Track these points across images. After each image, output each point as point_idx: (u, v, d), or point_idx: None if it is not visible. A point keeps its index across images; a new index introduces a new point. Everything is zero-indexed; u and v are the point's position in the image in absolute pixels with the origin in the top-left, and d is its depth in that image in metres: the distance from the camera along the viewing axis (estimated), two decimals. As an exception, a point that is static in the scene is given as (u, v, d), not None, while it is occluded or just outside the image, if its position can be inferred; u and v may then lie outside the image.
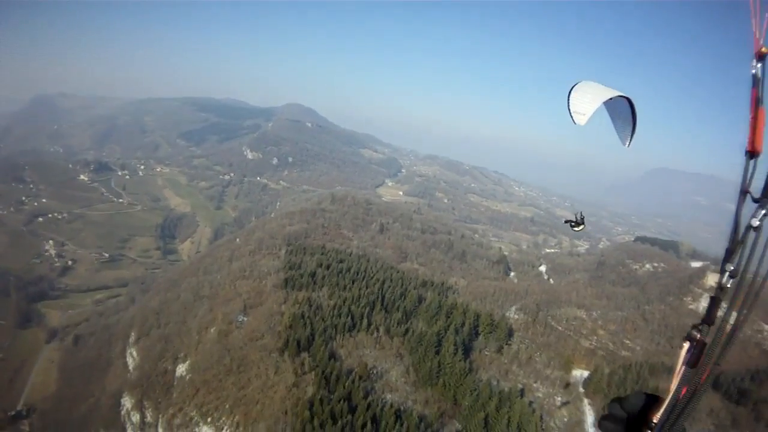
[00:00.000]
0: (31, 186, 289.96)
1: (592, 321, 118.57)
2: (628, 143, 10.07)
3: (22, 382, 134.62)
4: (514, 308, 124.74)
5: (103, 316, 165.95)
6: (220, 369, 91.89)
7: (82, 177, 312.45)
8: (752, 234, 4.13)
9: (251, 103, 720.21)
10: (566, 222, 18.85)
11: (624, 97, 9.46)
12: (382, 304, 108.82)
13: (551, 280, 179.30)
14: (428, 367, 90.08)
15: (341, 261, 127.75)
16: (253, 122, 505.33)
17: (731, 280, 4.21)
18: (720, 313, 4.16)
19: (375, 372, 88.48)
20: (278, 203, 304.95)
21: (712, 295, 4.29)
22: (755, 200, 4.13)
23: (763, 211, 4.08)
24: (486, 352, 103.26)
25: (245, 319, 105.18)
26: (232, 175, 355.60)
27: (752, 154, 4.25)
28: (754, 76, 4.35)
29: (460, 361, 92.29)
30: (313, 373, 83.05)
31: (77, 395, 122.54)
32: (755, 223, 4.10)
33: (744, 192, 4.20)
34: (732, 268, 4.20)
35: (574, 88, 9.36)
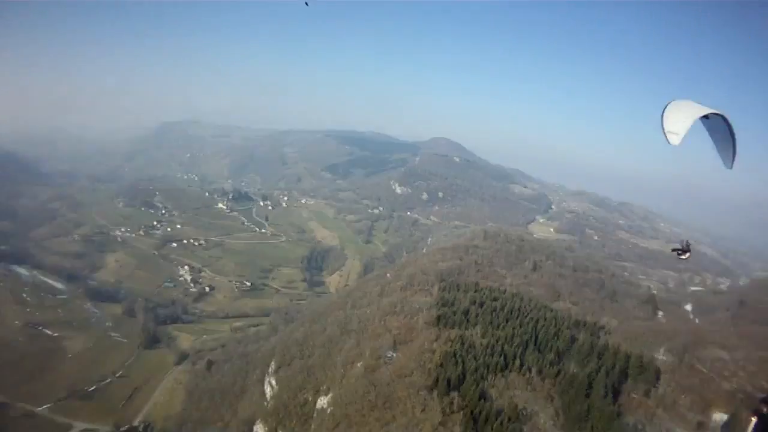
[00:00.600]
0: (163, 211, 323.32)
1: (734, 362, 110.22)
2: (731, 164, 9.32)
3: (143, 400, 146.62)
4: (662, 349, 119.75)
5: (241, 343, 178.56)
6: (364, 404, 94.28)
7: (220, 205, 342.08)
8: None
9: (394, 136, 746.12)
10: (673, 250, 19.67)
11: (718, 114, 8.78)
12: (535, 344, 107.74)
13: (697, 319, 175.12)
14: (577, 410, 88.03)
15: (495, 299, 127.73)
16: (399, 156, 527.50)
17: None
18: None
19: (524, 414, 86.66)
20: (430, 239, 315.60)
21: None
22: None
23: None
24: (634, 395, 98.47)
25: (394, 355, 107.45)
26: (381, 209, 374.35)
27: None
28: None
29: (609, 404, 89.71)
30: (461, 412, 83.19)
31: (204, 418, 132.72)
32: None
33: None
34: None
35: (667, 108, 9.04)
